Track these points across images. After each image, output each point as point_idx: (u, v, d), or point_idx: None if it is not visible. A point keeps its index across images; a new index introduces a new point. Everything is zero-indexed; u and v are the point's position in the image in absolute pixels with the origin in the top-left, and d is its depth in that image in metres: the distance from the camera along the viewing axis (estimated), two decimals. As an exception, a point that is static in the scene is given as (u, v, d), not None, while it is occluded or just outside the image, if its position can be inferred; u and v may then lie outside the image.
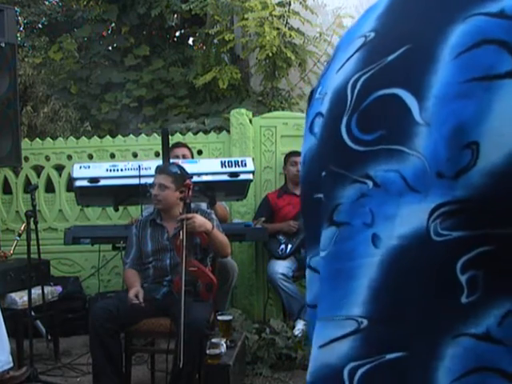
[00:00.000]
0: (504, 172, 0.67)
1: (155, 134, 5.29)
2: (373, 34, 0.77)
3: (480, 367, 0.70)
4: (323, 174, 0.79)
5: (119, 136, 5.32)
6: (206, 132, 5.40)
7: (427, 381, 0.69)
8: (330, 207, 0.77)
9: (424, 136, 0.72)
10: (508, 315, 0.69)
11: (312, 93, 0.87)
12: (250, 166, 4.14)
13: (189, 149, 4.57)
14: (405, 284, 0.71)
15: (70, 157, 5.22)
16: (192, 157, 4.54)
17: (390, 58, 0.74)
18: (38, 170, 5.30)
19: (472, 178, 0.69)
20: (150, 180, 3.60)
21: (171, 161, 3.91)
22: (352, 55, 0.78)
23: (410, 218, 0.71)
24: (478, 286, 0.68)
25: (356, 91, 0.77)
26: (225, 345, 3.17)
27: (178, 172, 3.47)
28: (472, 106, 0.69)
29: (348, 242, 0.75)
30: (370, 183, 0.74)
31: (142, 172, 3.90)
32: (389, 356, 0.69)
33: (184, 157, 4.38)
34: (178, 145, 4.56)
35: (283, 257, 4.61)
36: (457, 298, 0.68)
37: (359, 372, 0.68)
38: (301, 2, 5.98)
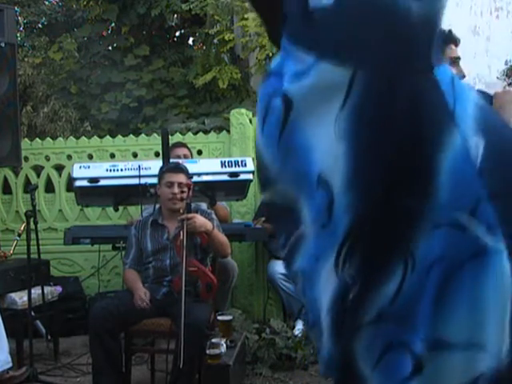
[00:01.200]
0: (355, 179, 0.79)
1: (155, 134, 5.28)
2: None
3: (387, 346, 0.79)
4: None
5: (119, 136, 5.31)
6: (206, 132, 5.40)
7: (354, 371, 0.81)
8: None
9: (302, 207, 0.88)
10: (397, 294, 0.78)
11: None
12: (250, 166, 4.14)
13: (188, 148, 4.56)
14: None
15: (69, 157, 5.22)
16: (191, 156, 4.54)
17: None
18: (37, 169, 5.30)
19: (340, 205, 0.82)
20: (150, 180, 3.60)
21: (172, 160, 3.91)
22: None
23: (327, 287, 0.84)
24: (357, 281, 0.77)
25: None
26: (225, 345, 3.17)
27: (187, 170, 3.51)
28: (299, 157, 0.85)
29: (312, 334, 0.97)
30: (301, 278, 0.92)
31: (142, 172, 3.90)
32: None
33: (185, 157, 4.37)
34: (178, 145, 4.54)
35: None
36: (346, 299, 0.80)
37: None
38: (301, 2, 5.97)
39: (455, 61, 2.18)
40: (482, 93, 3.19)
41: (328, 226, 0.81)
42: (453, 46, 2.20)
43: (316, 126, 0.83)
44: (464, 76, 2.20)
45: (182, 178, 3.44)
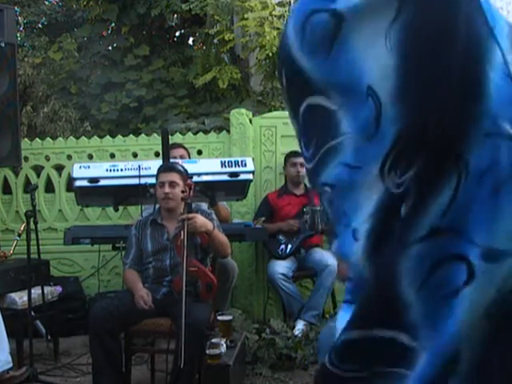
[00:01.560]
0: (404, 91, 0.77)
1: (155, 134, 5.28)
2: None
3: (439, 261, 0.78)
4: None
5: (119, 136, 5.31)
6: (205, 132, 5.40)
7: (394, 295, 0.78)
8: (329, 222, 0.92)
9: (343, 117, 0.81)
10: (450, 205, 0.77)
11: None
12: (250, 166, 4.14)
13: (185, 149, 4.55)
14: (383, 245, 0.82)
15: (69, 157, 5.22)
16: (189, 157, 4.52)
17: (284, 79, 0.91)
18: (37, 169, 5.29)
19: (388, 117, 0.78)
20: (150, 180, 3.60)
21: (171, 161, 3.91)
22: None
23: (369, 195, 0.80)
24: (410, 193, 0.77)
25: (292, 118, 0.87)
26: (225, 345, 3.17)
27: (182, 169, 3.49)
28: (345, 69, 0.84)
29: (342, 248, 0.87)
30: (328, 189, 0.85)
31: (142, 172, 3.90)
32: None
33: (182, 157, 4.36)
34: (174, 146, 4.51)
35: (283, 257, 4.60)
36: (398, 215, 0.78)
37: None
38: (301, 2, 5.98)
39: None
40: None
41: (375, 136, 0.81)
42: None
43: (368, 40, 0.84)
44: None
45: (173, 176, 3.44)
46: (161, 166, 3.56)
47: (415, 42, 0.84)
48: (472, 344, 0.80)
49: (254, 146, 5.09)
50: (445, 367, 0.80)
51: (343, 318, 0.91)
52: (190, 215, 3.28)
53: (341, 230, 0.89)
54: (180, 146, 4.57)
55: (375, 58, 0.83)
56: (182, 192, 3.38)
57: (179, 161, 3.99)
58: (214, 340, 3.15)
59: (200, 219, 3.32)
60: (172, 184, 3.42)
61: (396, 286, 0.83)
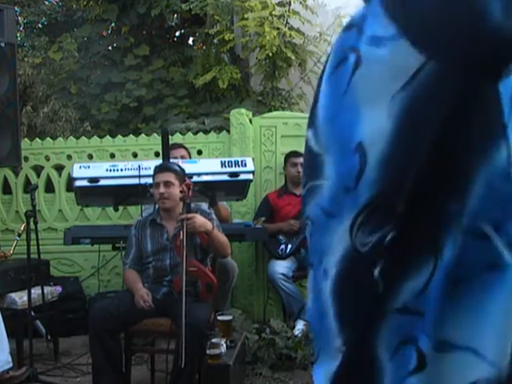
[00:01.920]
0: (391, 159, 0.77)
1: (155, 134, 5.28)
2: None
3: (404, 340, 0.80)
4: None
5: (119, 136, 5.31)
6: (205, 132, 5.40)
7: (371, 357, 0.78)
8: (309, 253, 0.92)
9: (327, 161, 0.82)
10: (424, 288, 0.78)
11: None
12: (250, 166, 4.14)
13: (186, 149, 4.55)
14: (349, 303, 0.82)
15: (69, 157, 5.22)
16: (190, 157, 4.52)
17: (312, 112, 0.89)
18: (37, 169, 5.30)
19: (368, 178, 0.78)
20: (150, 180, 3.59)
21: (175, 161, 3.91)
22: None
23: (338, 243, 0.82)
24: (385, 273, 0.78)
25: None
26: (225, 345, 3.17)
27: (178, 169, 3.49)
28: (347, 117, 0.82)
29: (315, 281, 0.88)
30: (309, 222, 0.88)
31: (142, 172, 3.90)
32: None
33: (183, 157, 4.35)
34: (175, 146, 4.51)
35: (283, 257, 4.60)
36: (375, 291, 0.82)
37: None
38: (301, 2, 5.97)
39: None
40: None
41: (352, 190, 0.82)
42: None
43: (373, 96, 0.84)
44: None
45: (168, 176, 3.43)
46: (156, 167, 3.56)
47: (413, 118, 0.83)
48: None
49: (254, 146, 5.09)
50: None
51: (317, 374, 0.92)
52: (189, 215, 3.28)
53: (315, 264, 0.90)
54: (181, 146, 4.57)
55: (374, 116, 0.83)
56: (181, 192, 3.38)
57: (179, 161, 3.99)
58: (214, 340, 3.15)
59: (199, 219, 3.32)
60: (167, 184, 3.42)
61: (371, 349, 0.85)
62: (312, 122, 0.88)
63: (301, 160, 4.73)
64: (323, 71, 0.94)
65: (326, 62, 0.93)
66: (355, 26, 0.91)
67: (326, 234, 0.84)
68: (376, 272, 0.81)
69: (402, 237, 0.82)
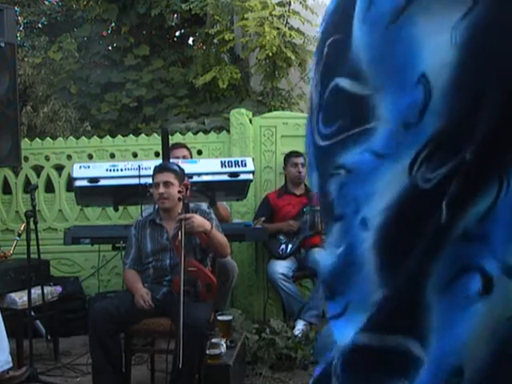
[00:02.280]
0: (458, 89, 0.73)
1: (155, 134, 5.28)
2: (321, 31, 0.87)
3: (465, 267, 0.75)
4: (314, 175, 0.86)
5: (119, 136, 5.31)
6: (205, 132, 5.39)
7: (416, 299, 0.76)
8: (328, 204, 0.83)
9: (380, 101, 0.76)
10: (487, 213, 0.74)
11: None
12: (250, 166, 4.14)
13: (188, 149, 4.55)
14: (399, 249, 0.77)
15: (69, 157, 5.22)
16: (191, 157, 4.53)
17: (326, 50, 0.82)
18: (37, 169, 5.29)
19: (434, 110, 0.74)
20: (150, 180, 3.59)
21: (171, 161, 3.91)
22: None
23: (389, 186, 0.76)
24: (443, 192, 0.74)
25: (318, 89, 0.84)
26: (225, 345, 3.17)
27: (178, 169, 3.49)
28: (405, 50, 0.77)
29: (348, 234, 0.81)
30: (343, 172, 0.80)
31: (142, 172, 3.90)
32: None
33: (184, 158, 4.36)
34: (177, 146, 4.52)
35: (283, 257, 4.60)
36: (436, 225, 0.75)
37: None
38: (301, 2, 5.97)
39: None
40: None
41: (415, 126, 0.78)
42: None
43: (432, 27, 0.81)
44: None
45: (167, 176, 3.43)
46: (156, 167, 3.55)
47: (484, 42, 0.81)
48: (475, 361, 0.78)
49: (254, 145, 5.09)
50: (444, 380, 0.78)
51: (344, 328, 0.87)
52: (188, 215, 3.28)
53: (347, 215, 0.85)
54: (183, 146, 4.57)
55: (436, 47, 0.80)
56: (179, 192, 3.38)
57: (179, 161, 3.99)
58: (214, 340, 3.15)
59: (198, 219, 3.31)
60: (166, 184, 3.42)
61: (420, 289, 0.81)
62: (343, 70, 0.83)
63: (301, 160, 4.73)
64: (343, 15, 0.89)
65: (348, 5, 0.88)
66: None
67: (371, 179, 0.79)
68: (443, 205, 0.77)
69: (470, 166, 0.78)
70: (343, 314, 0.86)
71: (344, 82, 0.81)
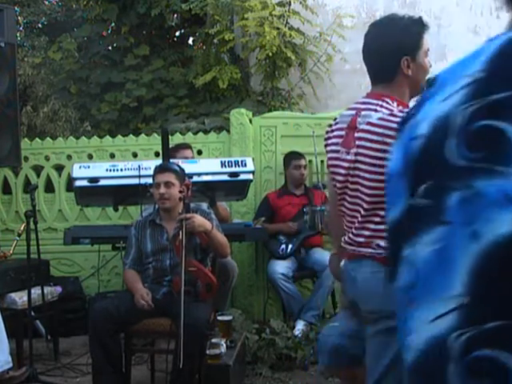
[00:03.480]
0: None
1: (155, 134, 5.28)
2: (482, 74, 0.94)
3: None
4: (423, 186, 0.97)
5: (119, 136, 5.31)
6: (205, 132, 5.39)
7: None
8: (436, 211, 0.94)
9: None
10: None
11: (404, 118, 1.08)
12: (250, 166, 4.14)
13: (192, 150, 4.60)
14: (498, 270, 0.88)
15: (69, 157, 5.22)
16: (193, 157, 4.55)
17: (498, 96, 0.90)
18: (37, 169, 5.29)
19: None
20: (150, 180, 3.59)
21: (175, 161, 3.90)
22: (458, 90, 0.96)
23: (509, 222, 0.87)
24: None
25: (464, 121, 0.94)
26: (225, 345, 3.17)
27: (179, 169, 3.49)
28: None
29: (452, 237, 0.92)
30: (472, 192, 0.91)
31: (142, 172, 3.90)
32: (488, 325, 0.86)
33: (187, 158, 4.37)
34: (183, 146, 4.56)
35: (283, 257, 4.60)
36: None
37: (463, 338, 0.86)
38: (301, 2, 5.97)
39: (427, 54, 2.10)
40: None
41: None
42: (425, 36, 2.10)
43: None
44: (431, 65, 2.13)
45: (168, 177, 3.43)
46: (156, 167, 3.55)
47: None
48: None
49: (254, 146, 5.09)
50: None
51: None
52: (188, 215, 3.28)
53: (457, 224, 0.93)
54: (189, 146, 4.60)
55: None
56: (180, 192, 3.38)
57: (179, 161, 3.99)
58: (214, 340, 3.15)
59: (198, 219, 3.31)
60: (167, 184, 3.42)
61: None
62: (508, 116, 0.91)
63: (303, 162, 4.73)
64: None
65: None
66: None
67: (494, 210, 0.88)
68: None
69: None
70: (417, 305, 0.95)
71: (507, 129, 0.90)
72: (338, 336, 2.62)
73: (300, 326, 4.28)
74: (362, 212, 1.98)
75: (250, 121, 5.13)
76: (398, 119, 1.88)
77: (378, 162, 1.91)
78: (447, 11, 6.62)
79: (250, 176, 4.15)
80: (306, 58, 6.00)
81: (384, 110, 1.97)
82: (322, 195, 4.71)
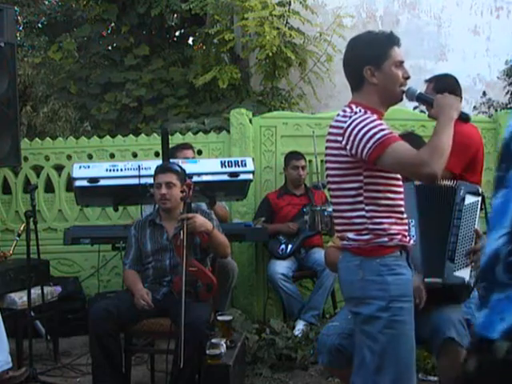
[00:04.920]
0: None
1: (155, 134, 5.28)
2: None
3: None
4: (503, 165, 1.22)
5: (119, 136, 5.31)
6: (205, 132, 5.39)
7: None
8: (504, 179, 1.19)
9: None
10: None
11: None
12: (250, 166, 4.13)
13: (193, 150, 4.61)
14: None
15: (69, 157, 5.21)
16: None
17: None
18: (37, 169, 5.29)
19: None
20: (150, 180, 3.59)
21: (175, 161, 3.90)
22: None
23: None
24: None
25: None
26: (225, 345, 3.17)
27: (179, 169, 3.49)
28: None
29: (508, 195, 1.16)
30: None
31: (142, 172, 3.89)
32: None
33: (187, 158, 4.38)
34: (185, 146, 4.57)
35: (283, 257, 4.60)
36: None
37: (508, 248, 1.15)
38: (301, 2, 5.97)
39: (400, 65, 2.18)
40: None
41: None
42: (396, 48, 2.18)
43: None
44: (409, 77, 2.20)
45: (170, 177, 3.43)
46: (157, 167, 3.55)
47: None
48: None
49: (253, 146, 5.09)
50: None
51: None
52: (190, 215, 3.28)
53: None
54: (191, 146, 4.60)
55: None
56: (182, 192, 3.38)
57: (179, 161, 3.99)
58: (214, 340, 3.14)
59: (199, 219, 3.31)
60: (169, 185, 3.42)
61: None
62: None
63: (302, 163, 4.73)
64: None
65: None
66: None
67: None
68: None
69: None
70: (499, 293, 1.17)
71: None
72: (338, 336, 2.63)
73: (300, 326, 4.28)
74: (335, 207, 2.24)
75: (250, 121, 5.12)
76: (349, 119, 2.08)
77: (337, 158, 2.13)
78: (447, 11, 6.63)
79: (250, 176, 4.15)
80: (306, 57, 6.01)
81: (341, 113, 2.16)
82: (322, 195, 4.71)
